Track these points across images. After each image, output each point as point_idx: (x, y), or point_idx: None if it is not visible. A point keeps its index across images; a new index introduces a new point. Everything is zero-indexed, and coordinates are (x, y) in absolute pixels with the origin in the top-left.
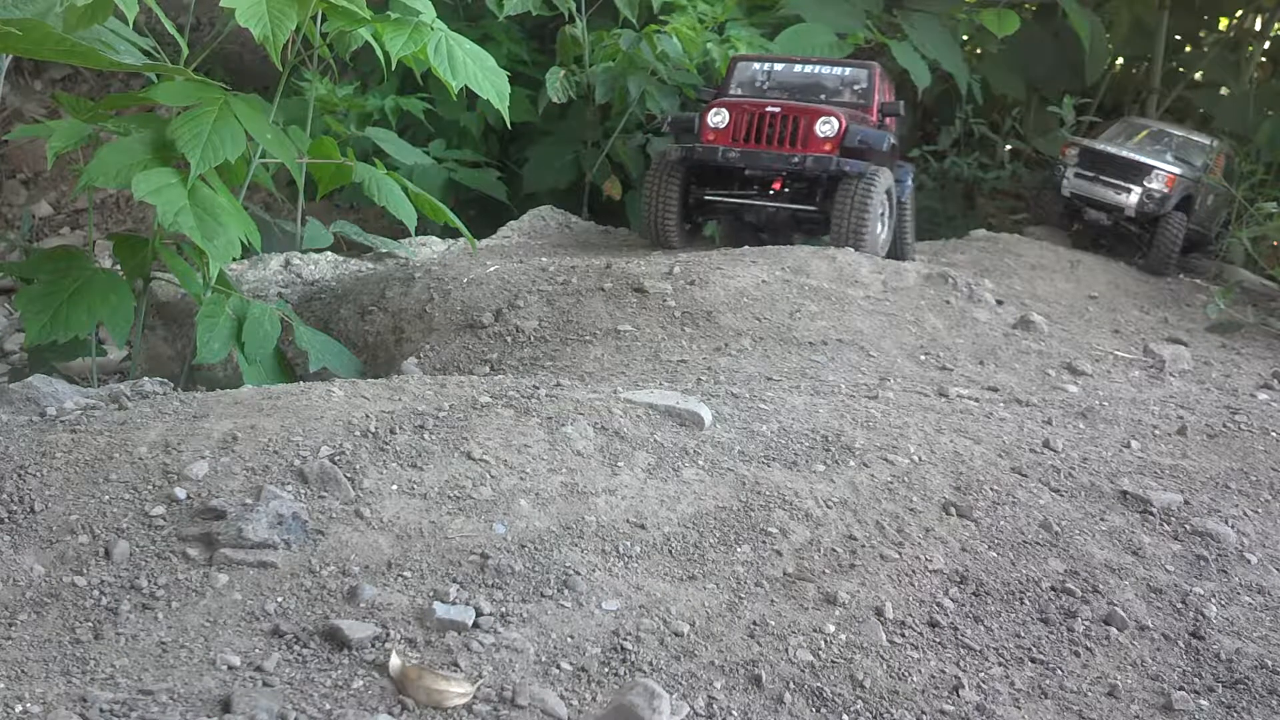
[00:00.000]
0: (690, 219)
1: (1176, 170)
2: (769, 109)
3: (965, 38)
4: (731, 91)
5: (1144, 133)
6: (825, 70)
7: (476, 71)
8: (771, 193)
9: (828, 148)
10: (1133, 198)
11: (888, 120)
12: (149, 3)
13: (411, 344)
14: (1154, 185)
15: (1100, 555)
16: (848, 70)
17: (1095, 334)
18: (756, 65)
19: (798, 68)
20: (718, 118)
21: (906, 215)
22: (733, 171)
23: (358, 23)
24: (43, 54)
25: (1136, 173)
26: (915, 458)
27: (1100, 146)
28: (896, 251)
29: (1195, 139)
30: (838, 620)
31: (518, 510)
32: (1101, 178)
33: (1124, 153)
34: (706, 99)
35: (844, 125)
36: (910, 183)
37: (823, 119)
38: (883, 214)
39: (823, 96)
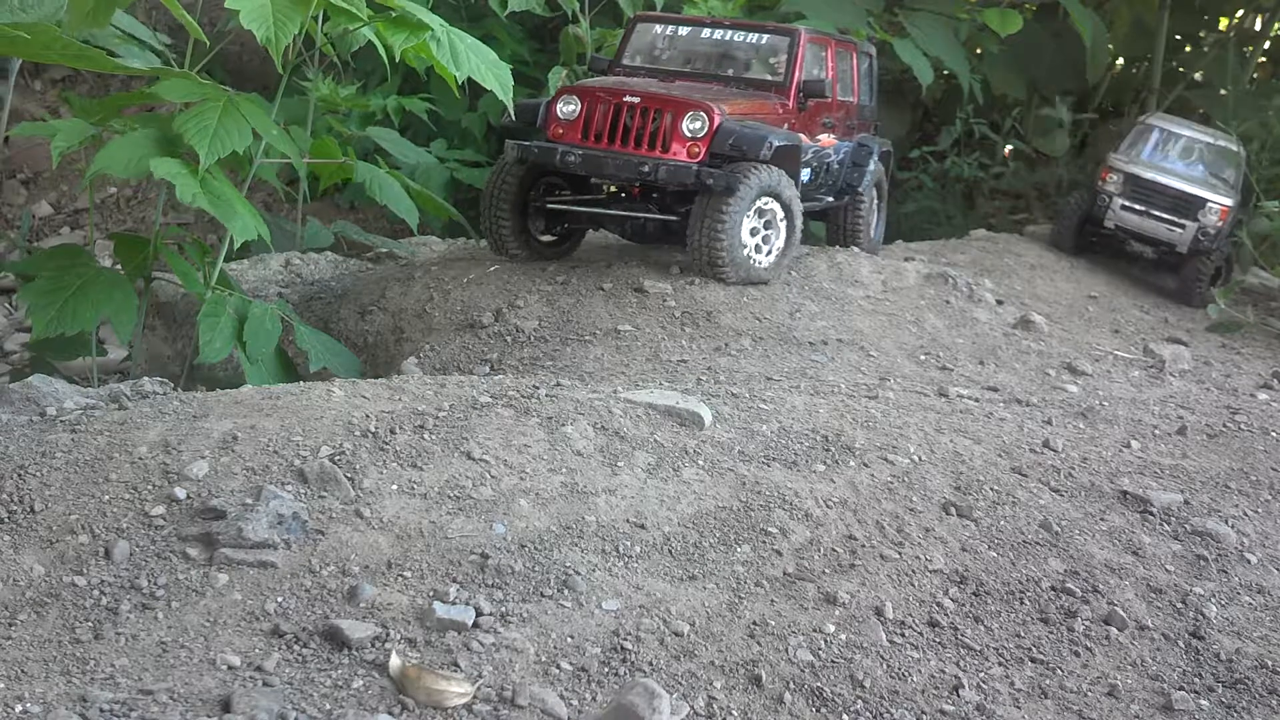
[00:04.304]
0: (549, 226)
1: (1229, 201)
2: (627, 99)
3: (965, 38)
4: (625, 60)
5: (1173, 145)
6: (738, 37)
7: (480, 64)
8: (624, 197)
9: (696, 150)
10: (1187, 234)
11: (813, 103)
12: (165, 2)
13: (411, 344)
14: (1209, 220)
15: (1100, 555)
16: (765, 38)
17: (1095, 334)
18: (658, 29)
19: (705, 33)
20: (567, 107)
21: (863, 204)
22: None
23: (359, 22)
24: (50, 58)
25: (1188, 206)
26: (915, 458)
27: (1148, 176)
28: (850, 243)
29: (1220, 144)
30: (838, 620)
31: (518, 510)
32: (1153, 212)
33: (1174, 184)
34: (600, 68)
35: (716, 122)
36: (872, 166)
37: (691, 114)
38: (771, 229)
39: (730, 71)
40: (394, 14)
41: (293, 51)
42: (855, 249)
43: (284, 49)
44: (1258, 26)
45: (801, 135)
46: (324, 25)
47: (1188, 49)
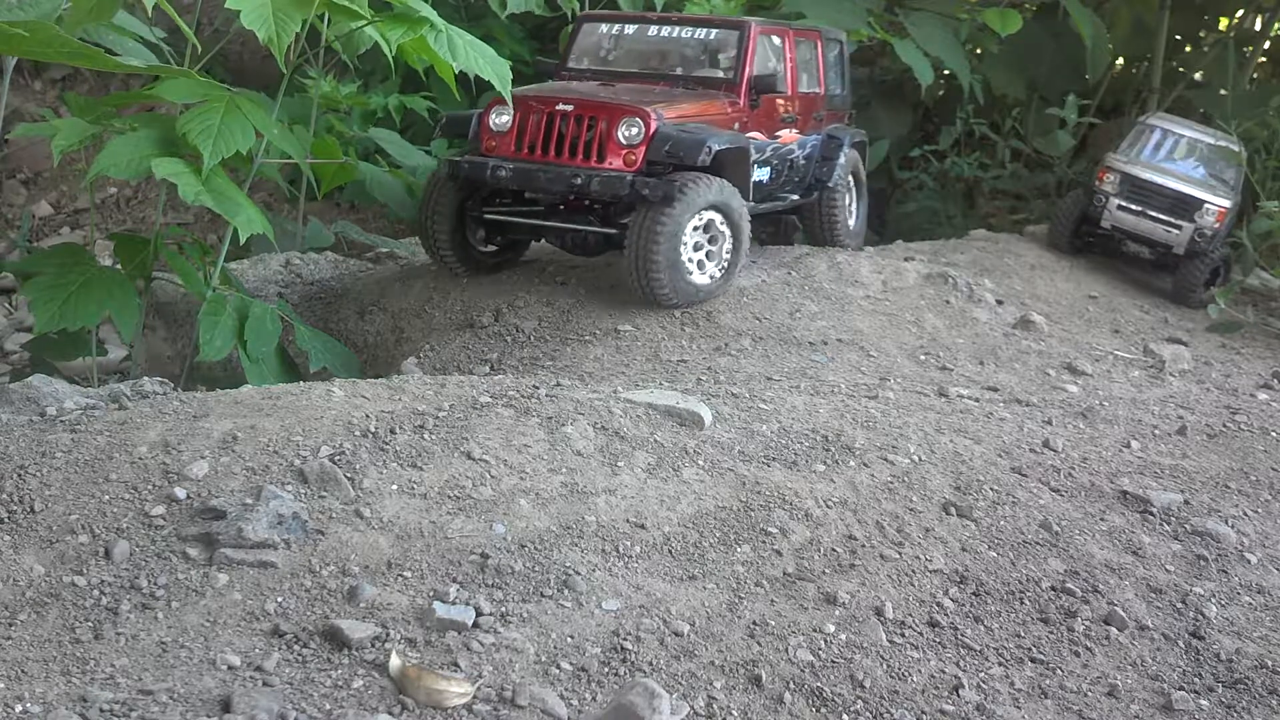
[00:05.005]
0: (489, 236)
1: (1227, 203)
2: (560, 106)
3: (965, 38)
4: (572, 62)
5: (1172, 145)
6: (685, 34)
7: (477, 57)
8: (564, 208)
9: (632, 158)
10: (1184, 235)
11: (768, 99)
12: (160, 3)
13: (411, 344)
14: (1205, 221)
15: (1100, 555)
16: (714, 33)
17: (1095, 334)
18: (604, 28)
19: (652, 31)
20: (500, 118)
21: (836, 198)
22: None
23: (359, 18)
24: (49, 56)
25: (1186, 207)
26: (915, 458)
27: (1145, 176)
28: (826, 241)
29: (1221, 144)
30: (838, 620)
31: (518, 510)
32: (1149, 213)
33: (1171, 184)
34: (549, 71)
35: (652, 128)
36: (843, 159)
37: (625, 120)
38: (716, 244)
39: (679, 70)
40: (395, 11)
41: (295, 51)
42: (850, 247)
43: (286, 48)
44: (1258, 26)
45: (757, 134)
46: (329, 25)
47: (1188, 49)
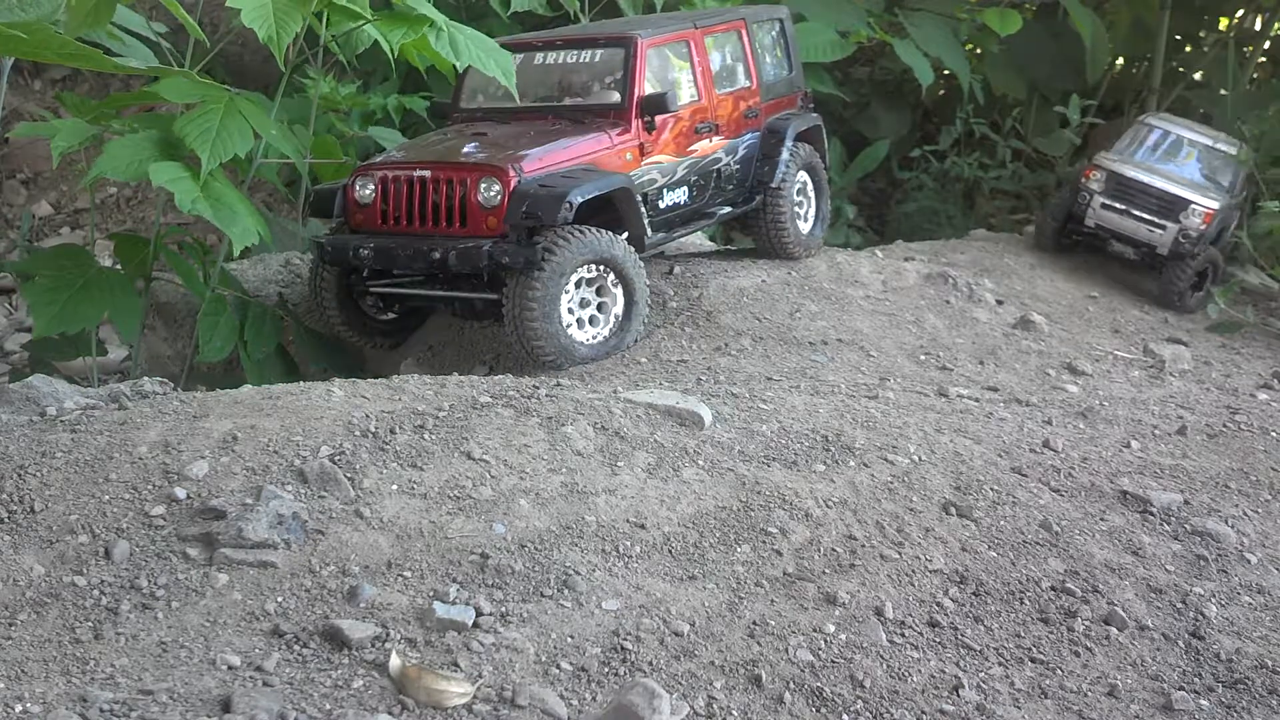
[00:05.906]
0: (386, 305)
1: (1215, 204)
2: (418, 173)
3: (965, 38)
4: (464, 102)
5: (1170, 146)
6: (571, 58)
7: (479, 53)
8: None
9: (494, 223)
10: (1167, 236)
11: (665, 118)
12: (166, 2)
13: (411, 344)
14: (1191, 222)
15: (1100, 555)
16: (599, 54)
17: (1095, 334)
18: None
19: (539, 58)
20: (364, 190)
21: (782, 200)
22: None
23: (359, 18)
24: (47, 57)
25: (1171, 207)
26: (915, 458)
27: (1131, 174)
28: (774, 250)
29: (1219, 147)
30: (838, 620)
31: (518, 510)
32: (1133, 212)
33: (1157, 183)
34: (441, 112)
35: (511, 186)
36: (786, 154)
37: (483, 181)
38: (606, 298)
39: (569, 99)
40: (394, 10)
41: (294, 50)
42: (800, 256)
43: (285, 47)
44: (1258, 26)
45: (662, 156)
46: (327, 24)
47: (1188, 49)
